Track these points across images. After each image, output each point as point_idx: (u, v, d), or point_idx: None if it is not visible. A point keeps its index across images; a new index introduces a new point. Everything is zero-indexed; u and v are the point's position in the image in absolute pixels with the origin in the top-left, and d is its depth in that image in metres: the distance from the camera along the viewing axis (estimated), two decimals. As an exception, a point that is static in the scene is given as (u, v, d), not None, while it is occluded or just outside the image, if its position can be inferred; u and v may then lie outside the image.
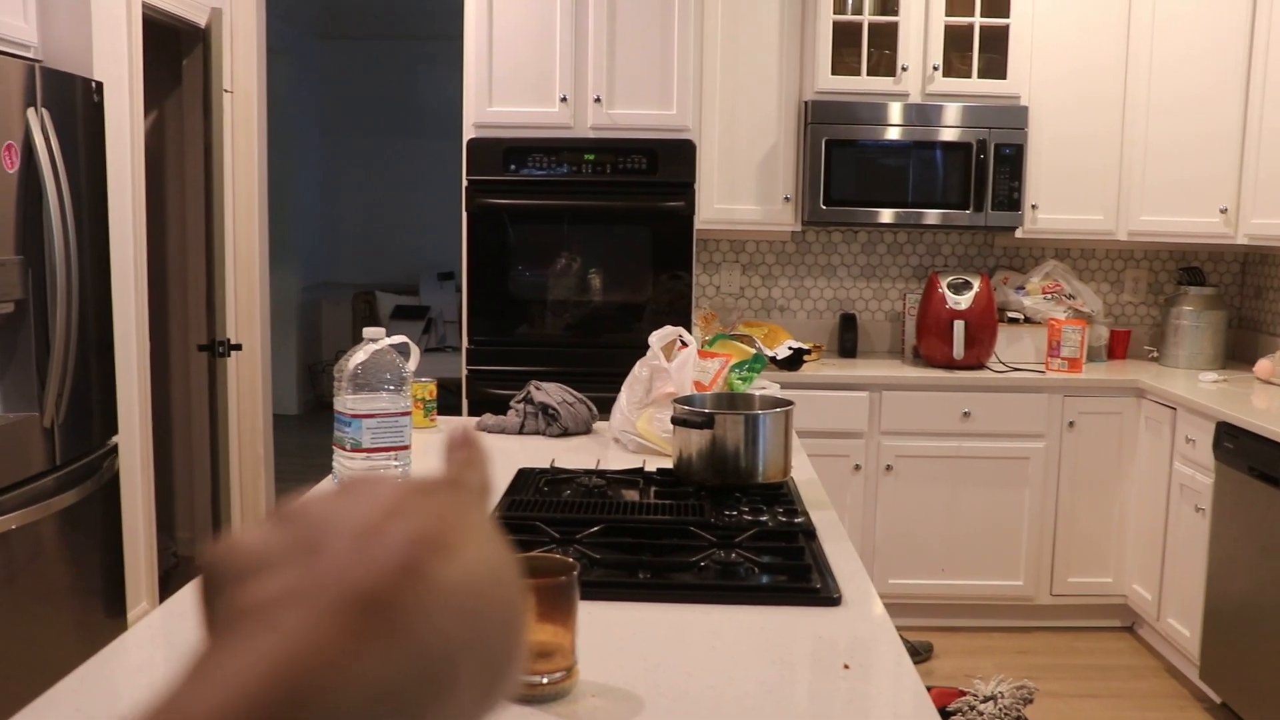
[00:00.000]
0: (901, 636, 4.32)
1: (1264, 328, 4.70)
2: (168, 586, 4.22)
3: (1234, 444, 3.54)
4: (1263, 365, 4.27)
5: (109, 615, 3.58)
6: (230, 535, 0.42)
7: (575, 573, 1.28)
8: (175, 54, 4.63)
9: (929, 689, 3.12)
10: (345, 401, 2.17)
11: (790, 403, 2.20)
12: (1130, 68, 4.38)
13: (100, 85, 3.49)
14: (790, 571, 1.70)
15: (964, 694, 3.16)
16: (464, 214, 4.12)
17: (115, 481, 3.64)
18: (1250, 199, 4.28)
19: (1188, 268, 4.76)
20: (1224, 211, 4.37)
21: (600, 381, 3.20)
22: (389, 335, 2.25)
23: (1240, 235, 4.35)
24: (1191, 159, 4.39)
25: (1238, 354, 4.75)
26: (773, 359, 4.22)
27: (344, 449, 2.18)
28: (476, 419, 2.96)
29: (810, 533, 1.90)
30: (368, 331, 2.21)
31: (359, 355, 2.17)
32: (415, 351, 2.26)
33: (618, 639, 1.47)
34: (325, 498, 0.43)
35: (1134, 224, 4.44)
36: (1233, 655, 3.55)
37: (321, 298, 8.96)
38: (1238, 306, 4.88)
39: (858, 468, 4.23)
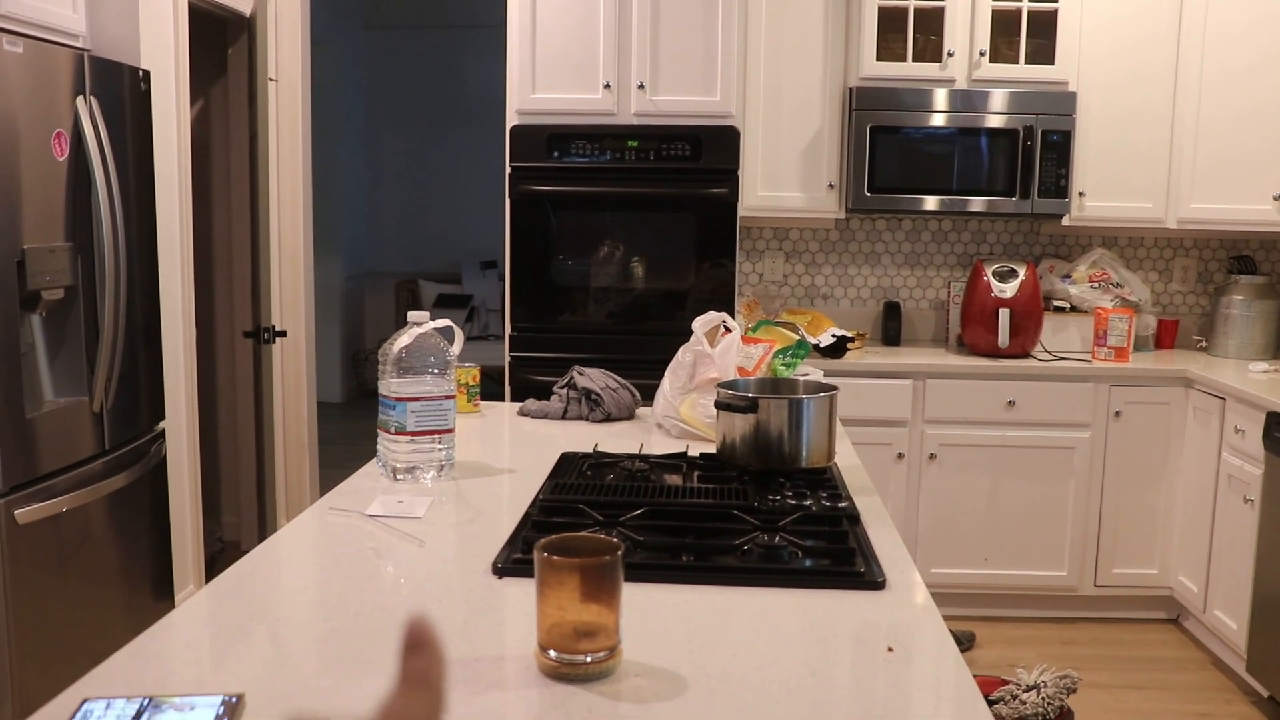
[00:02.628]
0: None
1: (1316, 317, 4.62)
2: (213, 570, 4.27)
3: (1285, 434, 3.49)
4: (1315, 355, 4.20)
5: (156, 598, 3.62)
6: None
7: (619, 553, 1.28)
8: (221, 43, 4.67)
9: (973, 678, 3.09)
10: (390, 385, 2.18)
11: (834, 388, 2.18)
12: (1181, 53, 4.32)
13: (148, 74, 3.52)
14: (834, 555, 1.69)
15: (1007, 683, 3.13)
16: (507, 201, 4.13)
17: (162, 466, 3.68)
18: (1303, 186, 4.21)
19: (1238, 256, 4.69)
20: (1277, 199, 4.30)
21: (642, 368, 3.20)
22: (457, 332, 2.27)
23: (1292, 223, 4.28)
24: (1243, 146, 4.32)
25: (1289, 344, 4.68)
26: (816, 347, 4.21)
27: (389, 432, 2.19)
28: (519, 404, 2.97)
29: (854, 517, 1.89)
30: (412, 315, 2.22)
31: (403, 339, 2.18)
32: (459, 335, 2.27)
33: (661, 620, 1.47)
34: None
35: (1184, 212, 4.39)
36: (1282, 648, 3.50)
37: (365, 286, 9.01)
38: (1289, 295, 4.80)
39: (901, 456, 4.21)
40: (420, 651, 0.44)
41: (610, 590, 1.29)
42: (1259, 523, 3.62)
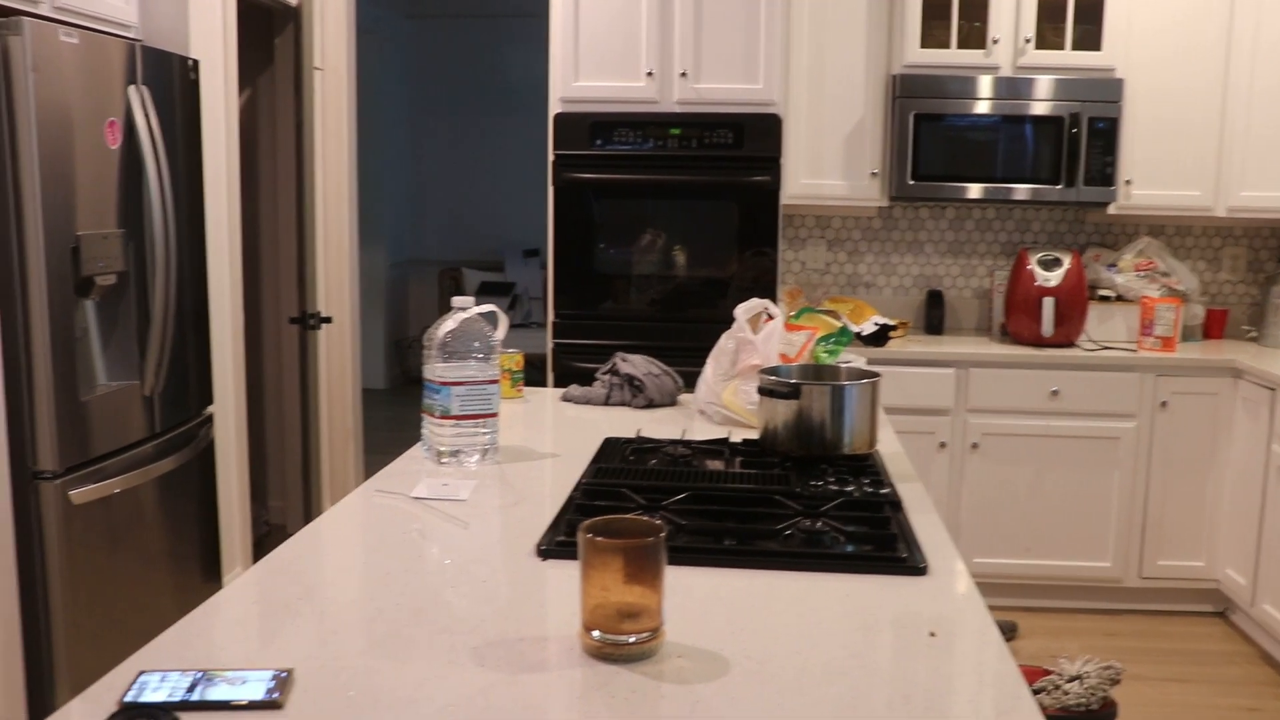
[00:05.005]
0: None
1: (1368, 307, 4.56)
2: (260, 553, 4.32)
3: (1334, 425, 3.45)
4: (1366, 345, 4.15)
5: (205, 579, 3.68)
6: None
7: (663, 534, 1.30)
8: (267, 33, 4.71)
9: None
10: (435, 369, 2.21)
11: (877, 374, 2.19)
12: (1234, 32, 4.26)
13: (197, 64, 3.57)
14: (876, 541, 1.70)
15: (1049, 673, 3.12)
16: (550, 188, 4.15)
17: (211, 450, 3.73)
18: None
19: (1288, 245, 4.64)
20: (1327, 187, 4.24)
21: (684, 356, 3.21)
22: (501, 316, 2.29)
23: (1344, 211, 4.22)
24: (1294, 133, 4.27)
25: (1340, 334, 4.62)
26: (858, 335, 4.20)
27: (433, 416, 2.22)
28: (562, 390, 2.99)
29: (896, 503, 1.89)
30: (456, 300, 2.24)
31: (448, 323, 2.20)
32: (503, 320, 2.29)
33: (703, 603, 1.48)
34: None
35: (1234, 199, 4.33)
36: (1330, 641, 3.47)
37: (408, 274, 9.08)
38: (1340, 285, 4.74)
39: (943, 445, 4.20)
40: None
41: (653, 572, 1.31)
42: (1307, 514, 3.59)
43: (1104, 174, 4.24)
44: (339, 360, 4.90)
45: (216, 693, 1.17)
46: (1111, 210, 4.38)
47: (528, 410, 2.83)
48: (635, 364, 2.85)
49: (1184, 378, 4.16)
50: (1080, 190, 4.26)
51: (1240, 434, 4.10)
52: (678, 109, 4.10)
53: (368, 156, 6.62)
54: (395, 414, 7.58)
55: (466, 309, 2.23)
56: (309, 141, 4.60)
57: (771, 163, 4.08)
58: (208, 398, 3.71)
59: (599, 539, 1.30)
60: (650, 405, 2.80)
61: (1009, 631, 4.03)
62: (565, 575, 1.59)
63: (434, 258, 9.14)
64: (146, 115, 3.20)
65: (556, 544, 1.67)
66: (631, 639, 1.30)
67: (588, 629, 1.32)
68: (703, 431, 2.51)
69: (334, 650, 1.32)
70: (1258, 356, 4.20)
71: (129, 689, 1.18)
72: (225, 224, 3.88)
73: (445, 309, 2.30)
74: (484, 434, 2.23)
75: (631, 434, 2.43)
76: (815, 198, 4.44)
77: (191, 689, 1.18)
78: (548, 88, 4.18)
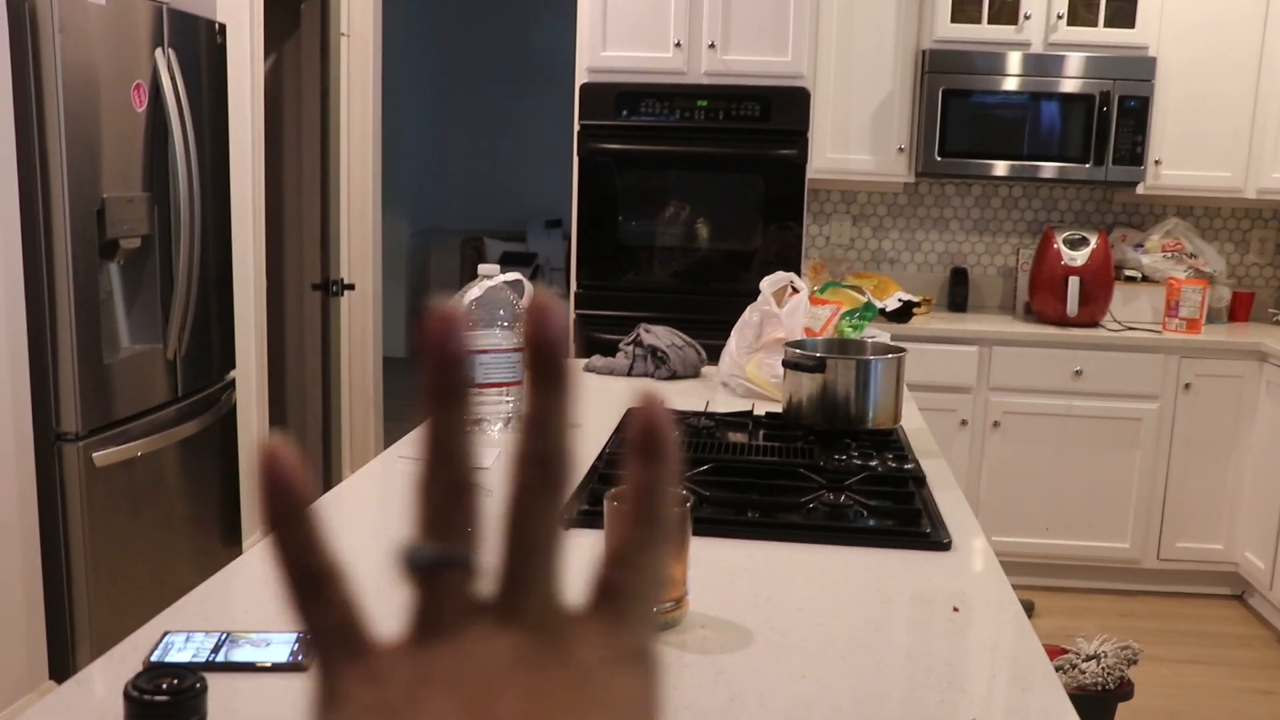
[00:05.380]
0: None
1: (1397, 292, 4.52)
2: (280, 518, 4.34)
3: (1361, 410, 3.42)
4: (1394, 330, 4.11)
5: (225, 544, 3.70)
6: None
7: (687, 504, 1.29)
8: (295, -2, 4.70)
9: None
10: (459, 337, 2.20)
11: (902, 349, 2.17)
12: (1272, 6, 4.21)
13: (223, 27, 3.56)
14: (899, 516, 1.69)
15: (1066, 652, 3.12)
16: (575, 158, 4.13)
17: (233, 414, 3.75)
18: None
19: (1318, 228, 4.59)
20: (1360, 169, 4.19)
21: (707, 328, 3.20)
22: (526, 285, 2.28)
23: (1376, 194, 4.17)
24: (1327, 114, 4.22)
25: (1368, 318, 4.58)
26: (881, 311, 4.18)
27: (457, 384, 2.21)
28: (585, 360, 2.98)
29: (920, 479, 1.88)
30: (482, 268, 2.24)
31: (474, 291, 2.20)
32: (529, 288, 2.28)
33: (727, 574, 1.48)
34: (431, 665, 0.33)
35: (1264, 181, 4.29)
36: (1350, 626, 3.45)
37: (430, 243, 9.07)
38: (1370, 269, 4.70)
39: (964, 423, 4.18)
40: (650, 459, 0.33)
41: (678, 542, 1.30)
42: (1331, 499, 3.56)
43: (1133, 153, 4.20)
44: (360, 328, 4.91)
45: (241, 654, 1.18)
46: (1140, 190, 4.34)
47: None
48: (659, 335, 2.85)
49: (1208, 360, 4.13)
50: (1109, 169, 4.22)
51: (1264, 417, 4.07)
52: (705, 80, 4.07)
53: (392, 124, 6.61)
54: (415, 383, 7.60)
55: (492, 276, 2.22)
56: (334, 108, 4.59)
57: (799, 136, 4.05)
58: (230, 362, 3.72)
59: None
60: (673, 377, 2.80)
61: (1026, 610, 4.02)
62: (588, 545, 1.59)
63: (456, 227, 9.13)
64: (173, 78, 3.20)
65: (580, 514, 1.67)
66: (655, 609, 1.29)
67: (611, 598, 1.32)
68: (726, 404, 2.50)
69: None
70: (1284, 340, 4.17)
71: (154, 649, 1.19)
72: (250, 189, 3.88)
73: (467, 278, 2.29)
74: (508, 402, 2.23)
75: (654, 405, 2.43)
76: (841, 172, 4.41)
77: (216, 650, 1.18)
78: (574, 58, 4.16)
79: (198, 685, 0.92)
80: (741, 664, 1.23)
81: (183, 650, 1.18)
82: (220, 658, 1.17)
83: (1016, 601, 1.45)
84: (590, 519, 1.63)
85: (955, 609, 1.40)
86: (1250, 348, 4.11)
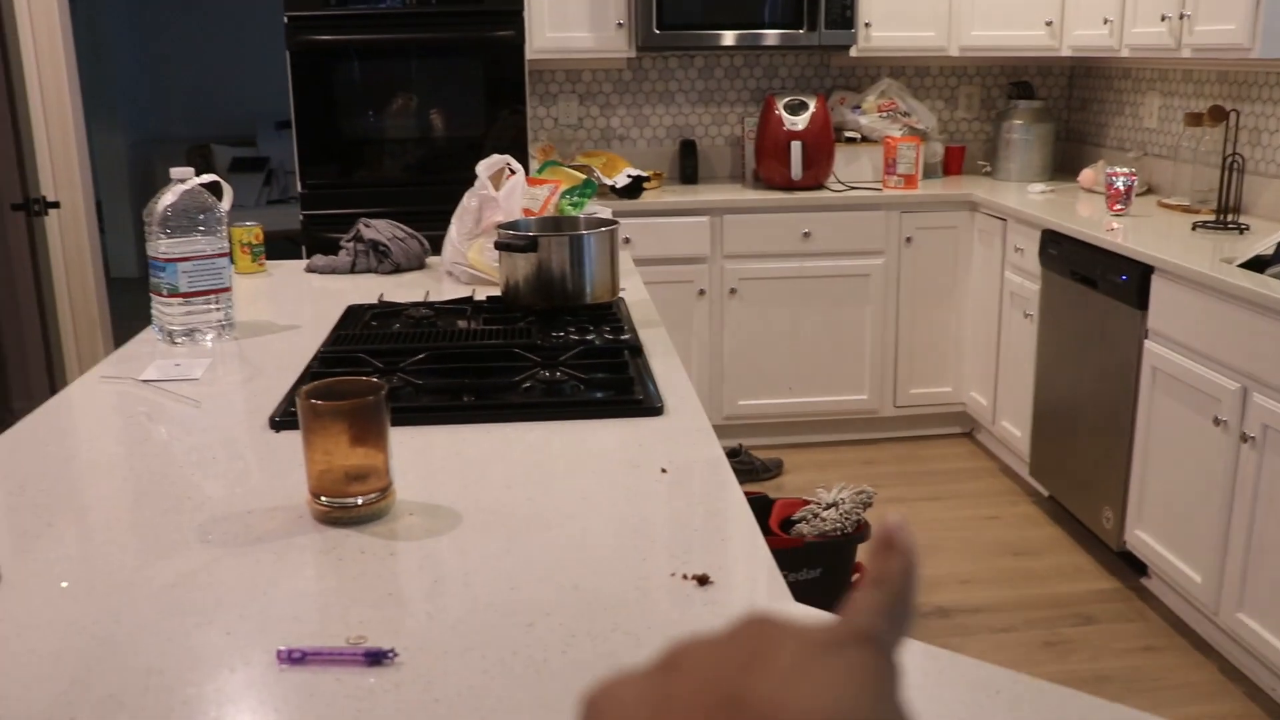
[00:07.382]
0: (751, 454, 4.39)
1: (1089, 139, 4.83)
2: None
3: (1057, 250, 3.66)
4: (1086, 175, 4.40)
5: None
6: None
7: (383, 392, 1.27)
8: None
9: (775, 501, 3.20)
10: (158, 246, 2.10)
11: (615, 221, 2.19)
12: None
13: None
14: (615, 386, 1.72)
15: (808, 503, 3.27)
16: (286, 53, 3.95)
17: (-66, 350, 3.48)
18: (1073, 11, 4.33)
19: (1018, 82, 4.84)
20: (1049, 24, 4.42)
21: (439, 220, 3.13)
22: (224, 186, 2.18)
23: (1064, 47, 4.41)
24: (1018, -30, 4.42)
25: (1065, 165, 4.89)
26: (612, 188, 4.20)
27: (161, 295, 2.12)
28: (305, 261, 2.89)
29: (636, 349, 1.91)
30: (175, 171, 2.13)
31: (167, 197, 2.09)
32: (228, 191, 2.18)
33: (440, 460, 1.47)
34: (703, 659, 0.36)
35: (965, 39, 4.47)
36: (1057, 451, 3.74)
37: (153, 154, 8.56)
38: (1065, 119, 5.00)
39: (702, 293, 4.27)
40: (890, 564, 0.38)
41: (377, 432, 1.29)
42: (1037, 336, 3.82)
43: (844, 17, 4.31)
44: (75, 248, 4.61)
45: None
46: (853, 53, 4.46)
47: (271, 284, 2.73)
48: (379, 229, 2.78)
49: (926, 213, 4.33)
50: (822, 34, 4.32)
51: (978, 264, 4.32)
52: (414, -37, 3.94)
53: (85, 20, 6.15)
54: (149, 301, 7.23)
55: (186, 179, 2.11)
56: (8, 8, 4.23)
57: (514, 16, 3.97)
58: (-76, 295, 3.44)
59: (317, 403, 1.27)
60: (397, 270, 2.74)
61: (774, 469, 4.19)
62: (298, 445, 1.55)
63: (181, 135, 8.64)
64: None
65: (289, 414, 1.63)
66: (359, 501, 1.28)
67: (315, 495, 1.30)
68: (450, 293, 2.48)
69: (47, 543, 1.26)
70: (992, 190, 4.41)
71: None
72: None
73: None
74: (217, 310, 2.14)
75: (375, 300, 2.38)
76: (562, 51, 4.36)
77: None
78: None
79: None
80: (448, 545, 1.23)
81: None
82: None
83: (724, 457, 1.49)
84: (290, 421, 1.59)
85: (663, 470, 1.43)
86: (963, 199, 4.33)
